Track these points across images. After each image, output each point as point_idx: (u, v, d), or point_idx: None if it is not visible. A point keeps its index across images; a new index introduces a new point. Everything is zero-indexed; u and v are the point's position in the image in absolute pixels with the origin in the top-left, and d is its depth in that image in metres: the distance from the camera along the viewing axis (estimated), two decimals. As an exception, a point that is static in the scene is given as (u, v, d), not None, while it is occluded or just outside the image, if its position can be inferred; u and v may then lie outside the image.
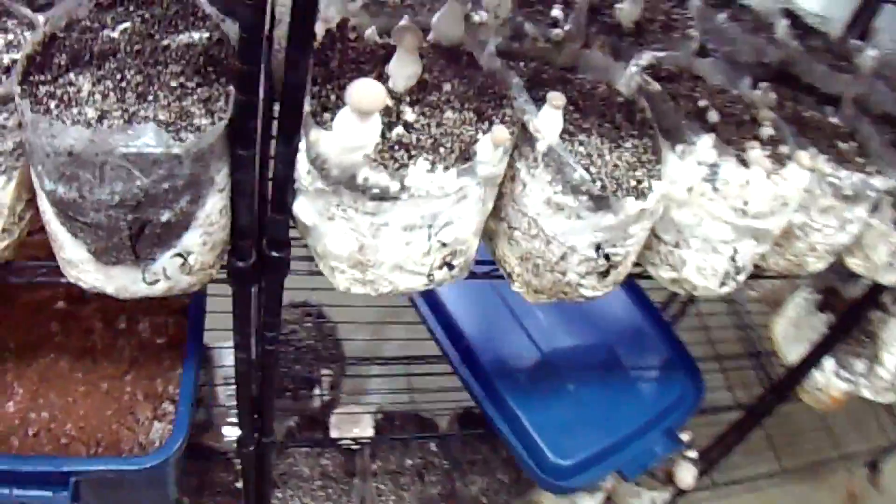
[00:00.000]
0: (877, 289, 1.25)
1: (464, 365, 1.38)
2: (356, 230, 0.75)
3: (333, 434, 1.47)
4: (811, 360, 1.35)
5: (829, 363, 1.41)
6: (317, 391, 1.58)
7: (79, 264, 0.76)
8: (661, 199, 0.84)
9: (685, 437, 1.63)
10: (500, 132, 0.71)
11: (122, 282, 0.77)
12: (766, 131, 0.96)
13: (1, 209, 0.75)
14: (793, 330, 1.48)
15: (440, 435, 1.56)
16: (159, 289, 0.78)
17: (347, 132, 0.68)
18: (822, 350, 1.33)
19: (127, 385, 1.03)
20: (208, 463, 1.44)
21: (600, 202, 0.77)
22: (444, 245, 0.77)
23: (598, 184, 0.78)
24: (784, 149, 0.94)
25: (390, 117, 0.74)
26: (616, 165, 0.83)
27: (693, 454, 1.62)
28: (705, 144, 0.88)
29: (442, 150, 0.72)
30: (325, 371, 1.60)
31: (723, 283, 0.99)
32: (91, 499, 1.02)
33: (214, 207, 0.75)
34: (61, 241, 0.75)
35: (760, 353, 1.69)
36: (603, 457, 1.33)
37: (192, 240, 0.75)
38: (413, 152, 0.71)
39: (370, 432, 1.50)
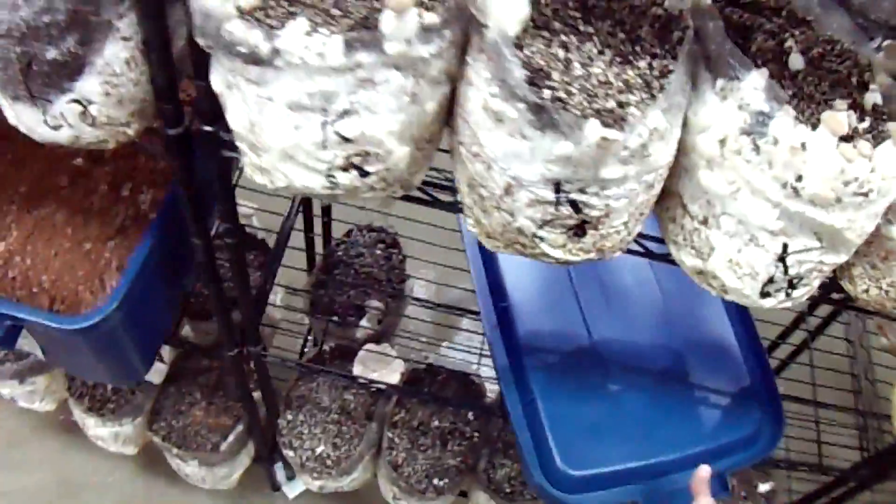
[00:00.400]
0: None
1: (496, 328, 1.21)
2: (245, 103, 0.63)
3: (355, 370, 1.38)
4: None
5: (947, 446, 1.05)
6: (364, 322, 1.49)
7: (-7, 96, 0.73)
8: (653, 137, 0.61)
9: (765, 487, 1.33)
10: (398, -7, 0.54)
11: (27, 121, 0.73)
12: (872, 98, 0.67)
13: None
14: (916, 396, 1.11)
15: (455, 402, 1.40)
16: (64, 135, 0.73)
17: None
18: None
19: (107, 251, 1.01)
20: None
21: (542, 116, 0.57)
22: (345, 140, 0.62)
23: (548, 92, 0.58)
24: (891, 126, 0.66)
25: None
26: (606, 82, 0.62)
27: (769, 512, 1.32)
28: (753, 83, 0.64)
29: (336, 12, 0.57)
30: (376, 304, 1.50)
31: (765, 293, 0.74)
32: (49, 353, 1.03)
33: (117, 56, 0.68)
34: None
35: (868, 414, 1.30)
36: (622, 479, 1.09)
37: (90, 87, 0.69)
38: (296, 10, 0.57)
39: (395, 379, 1.38)
